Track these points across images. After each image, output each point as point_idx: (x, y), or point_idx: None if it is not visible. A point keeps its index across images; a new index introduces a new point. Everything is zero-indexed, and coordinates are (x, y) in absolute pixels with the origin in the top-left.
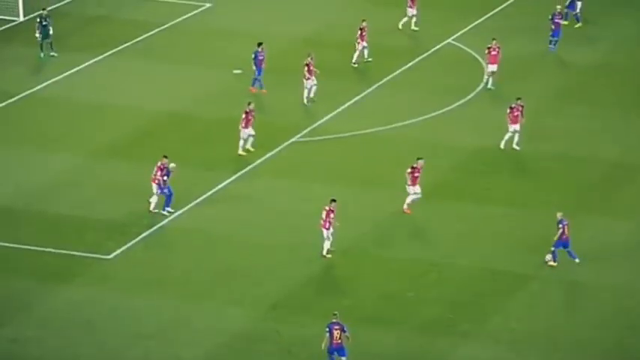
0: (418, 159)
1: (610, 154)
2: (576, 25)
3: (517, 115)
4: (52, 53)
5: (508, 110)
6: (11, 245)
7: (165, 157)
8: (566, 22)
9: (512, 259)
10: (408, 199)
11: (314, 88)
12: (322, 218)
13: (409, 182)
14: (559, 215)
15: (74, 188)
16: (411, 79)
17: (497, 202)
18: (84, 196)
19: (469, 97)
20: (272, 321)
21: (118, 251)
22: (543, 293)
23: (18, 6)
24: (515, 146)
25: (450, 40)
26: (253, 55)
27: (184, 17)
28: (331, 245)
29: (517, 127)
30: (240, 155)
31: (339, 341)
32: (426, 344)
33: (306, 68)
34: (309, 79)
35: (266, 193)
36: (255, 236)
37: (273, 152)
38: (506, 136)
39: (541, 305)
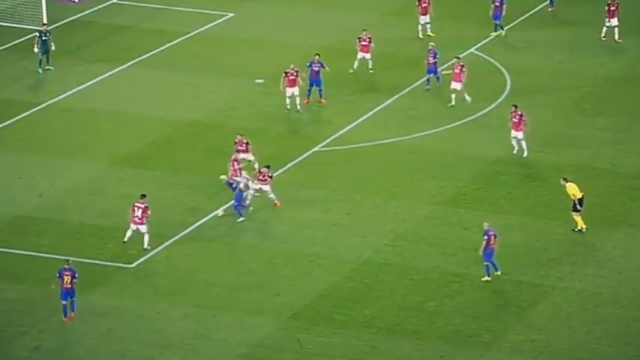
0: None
1: (631, 165)
2: (497, 33)
3: (517, 123)
4: (47, 67)
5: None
6: (33, 254)
7: (240, 134)
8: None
9: (534, 269)
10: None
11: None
12: (138, 215)
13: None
14: (486, 225)
15: (96, 197)
16: (432, 88)
17: (519, 212)
18: (106, 205)
19: (491, 107)
20: (293, 331)
21: (141, 260)
22: (565, 304)
23: (42, 16)
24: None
25: (472, 49)
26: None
27: (207, 27)
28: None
29: (520, 134)
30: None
31: (70, 286)
32: (447, 355)
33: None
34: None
35: (287, 202)
36: (276, 246)
37: (294, 162)
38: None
39: (562, 316)
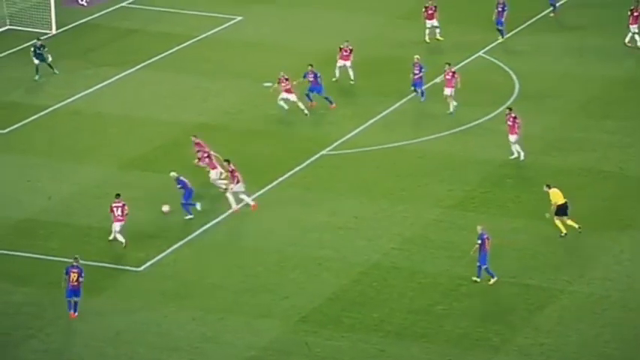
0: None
1: (639, 168)
2: (499, 39)
3: (511, 126)
4: (54, 71)
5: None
6: (40, 257)
7: (194, 135)
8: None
9: (542, 273)
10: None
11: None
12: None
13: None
14: (479, 228)
15: (103, 200)
16: (440, 92)
17: (526, 215)
18: None
19: (498, 110)
20: (301, 334)
21: (148, 264)
22: (573, 308)
23: (50, 19)
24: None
25: (480, 53)
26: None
27: (215, 30)
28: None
29: (513, 137)
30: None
31: (76, 283)
32: (455, 358)
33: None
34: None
35: (295, 205)
36: (284, 249)
37: (302, 165)
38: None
39: (571, 320)
